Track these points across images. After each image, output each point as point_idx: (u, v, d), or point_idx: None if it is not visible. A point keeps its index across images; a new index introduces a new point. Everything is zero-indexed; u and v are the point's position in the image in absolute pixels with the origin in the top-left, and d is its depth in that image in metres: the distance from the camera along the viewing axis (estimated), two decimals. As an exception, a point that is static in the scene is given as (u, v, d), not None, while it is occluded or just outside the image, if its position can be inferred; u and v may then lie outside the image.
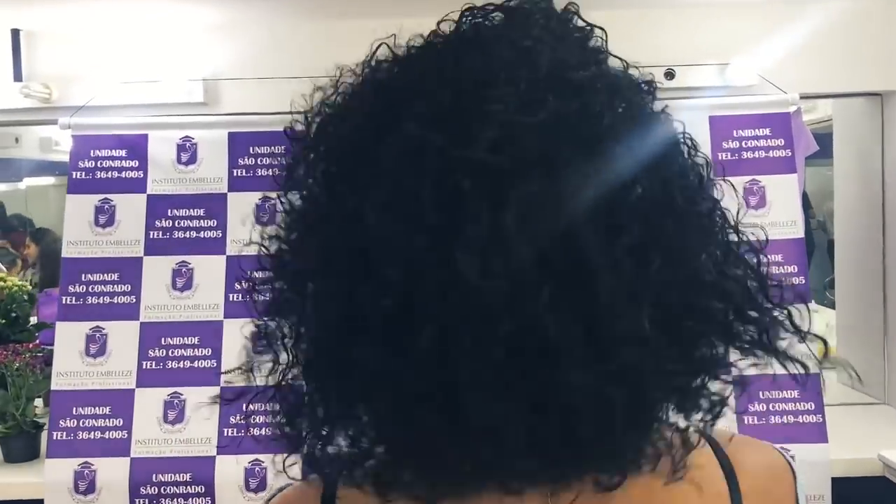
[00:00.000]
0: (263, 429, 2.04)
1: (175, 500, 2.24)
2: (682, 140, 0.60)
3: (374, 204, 0.51)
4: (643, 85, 0.59)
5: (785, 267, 2.33)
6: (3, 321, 2.73)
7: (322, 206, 0.57)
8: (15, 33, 2.55)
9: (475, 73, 0.53)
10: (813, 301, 3.82)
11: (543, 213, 0.49)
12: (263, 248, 0.62)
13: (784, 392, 2.26)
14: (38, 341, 2.69)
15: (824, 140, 3.06)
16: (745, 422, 2.24)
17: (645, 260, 0.51)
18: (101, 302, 2.38)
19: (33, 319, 2.92)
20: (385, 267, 0.50)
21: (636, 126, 0.56)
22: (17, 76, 2.54)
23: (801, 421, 2.24)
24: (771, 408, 2.25)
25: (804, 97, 2.50)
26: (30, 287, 2.91)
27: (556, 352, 0.49)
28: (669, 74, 2.49)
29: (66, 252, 2.41)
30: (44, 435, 2.43)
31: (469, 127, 0.50)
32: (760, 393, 2.25)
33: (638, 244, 0.51)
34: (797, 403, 2.25)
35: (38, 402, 2.59)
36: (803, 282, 2.33)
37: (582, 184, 0.50)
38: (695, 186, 0.58)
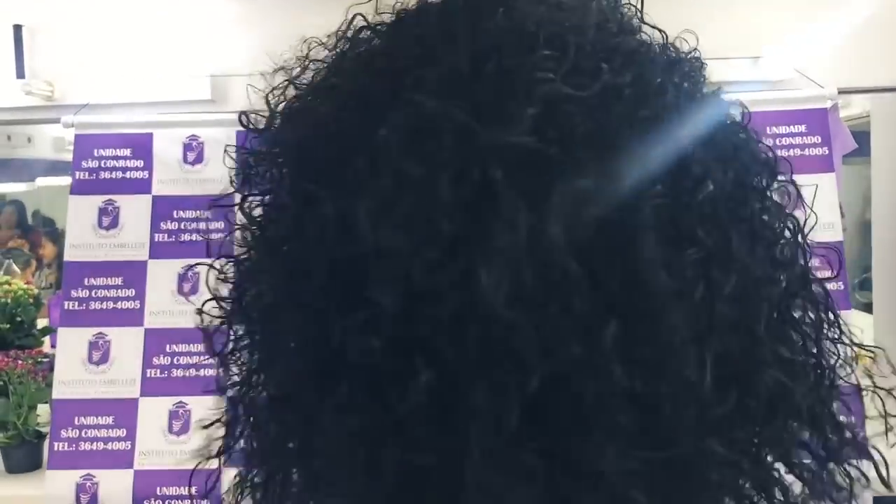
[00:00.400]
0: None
1: (180, 514, 2.17)
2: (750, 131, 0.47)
3: (367, 206, 0.36)
4: (695, 60, 0.46)
5: (822, 272, 2.20)
6: (7, 326, 2.68)
7: (290, 213, 0.44)
8: (17, 29, 2.52)
9: (503, 33, 0.39)
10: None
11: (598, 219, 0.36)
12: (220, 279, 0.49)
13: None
14: (46, 346, 2.65)
15: (861, 138, 2.95)
16: (780, 436, 2.13)
17: (712, 286, 0.37)
18: (104, 307, 2.31)
19: (43, 322, 2.87)
20: (378, 291, 0.36)
21: (699, 107, 0.43)
22: (20, 73, 2.51)
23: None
24: (808, 422, 2.13)
25: (842, 92, 2.39)
26: (35, 291, 2.85)
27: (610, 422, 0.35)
28: (699, 68, 2.39)
29: (69, 255, 2.35)
30: (46, 444, 2.37)
31: (503, 102, 0.36)
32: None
33: (705, 261, 0.37)
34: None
35: (45, 409, 2.53)
36: (842, 288, 2.21)
37: (645, 179, 0.37)
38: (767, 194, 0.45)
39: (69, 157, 4.83)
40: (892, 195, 2.78)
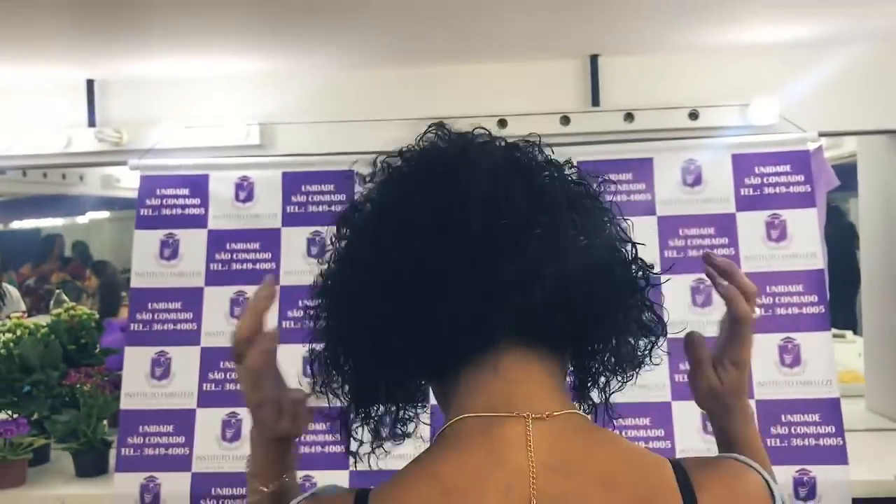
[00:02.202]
0: (314, 447, 2.22)
1: (232, 512, 2.41)
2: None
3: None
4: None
5: (805, 297, 2.43)
6: (73, 347, 2.95)
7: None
8: (90, 83, 2.78)
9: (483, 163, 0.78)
10: (851, 331, 3.92)
11: None
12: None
13: (805, 416, 2.36)
14: (105, 366, 2.91)
15: (851, 173, 3.17)
16: (768, 444, 2.34)
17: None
18: (166, 328, 2.56)
19: (97, 346, 3.13)
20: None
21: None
22: (91, 122, 2.76)
23: (821, 444, 2.33)
24: (792, 430, 2.35)
25: (823, 135, 2.62)
26: (97, 315, 3.11)
27: None
28: (693, 115, 2.64)
29: (135, 283, 2.60)
30: (111, 452, 2.62)
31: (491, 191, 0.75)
32: (783, 416, 2.36)
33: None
34: (818, 427, 2.35)
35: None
36: (823, 311, 2.43)
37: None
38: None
39: (117, 193, 5.16)
40: (876, 228, 3.00)
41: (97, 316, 3.12)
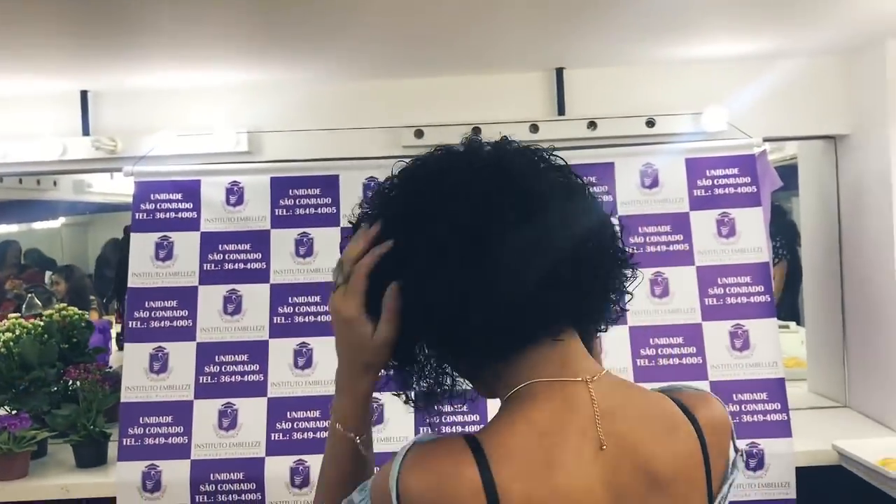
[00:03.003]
0: (306, 433, 2.42)
1: (230, 495, 2.55)
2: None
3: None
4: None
5: (752, 287, 2.68)
6: (66, 346, 3.07)
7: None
8: (83, 94, 2.91)
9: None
10: (795, 322, 4.20)
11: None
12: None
13: (754, 394, 2.61)
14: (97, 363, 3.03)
15: (793, 175, 3.44)
16: (722, 421, 2.58)
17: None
18: (163, 325, 2.70)
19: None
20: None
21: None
22: (86, 131, 2.89)
23: (768, 419, 2.58)
24: (743, 408, 2.59)
25: (767, 140, 2.87)
26: (87, 316, 3.23)
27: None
28: (650, 123, 2.87)
29: (132, 283, 2.74)
30: (109, 444, 2.75)
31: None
32: (734, 395, 2.60)
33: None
34: (766, 404, 2.60)
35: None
36: (769, 300, 2.68)
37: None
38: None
39: (88, 198, 5.23)
40: (815, 226, 3.26)
41: (87, 316, 3.24)
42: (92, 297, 5.78)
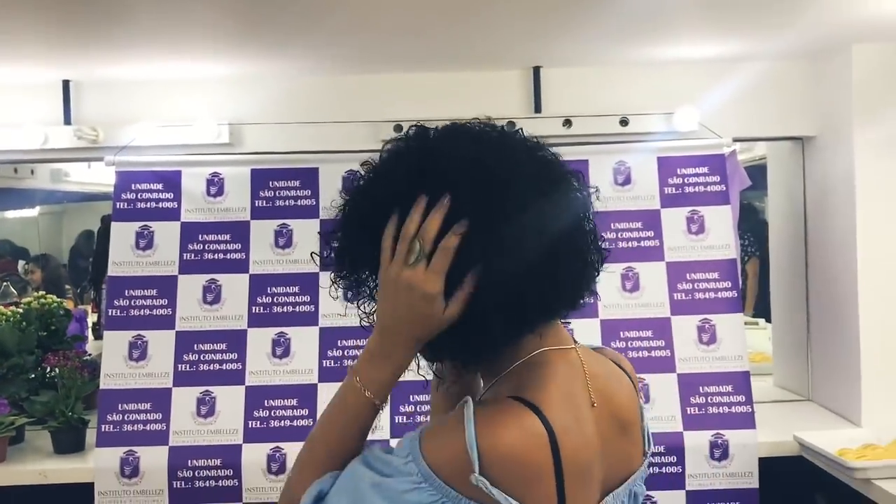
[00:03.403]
0: (283, 421, 2.48)
1: (207, 481, 2.59)
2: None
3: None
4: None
5: (720, 283, 2.76)
6: (45, 333, 3.10)
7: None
8: (65, 83, 2.93)
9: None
10: (764, 319, 4.30)
11: None
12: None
13: (720, 387, 2.69)
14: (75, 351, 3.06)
15: (763, 174, 3.53)
16: (688, 412, 2.67)
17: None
18: (142, 314, 2.74)
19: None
20: None
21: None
22: (67, 120, 2.91)
23: (733, 411, 2.66)
24: (709, 400, 2.68)
25: (737, 140, 2.96)
26: (67, 303, 3.26)
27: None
28: (624, 122, 2.94)
29: (112, 271, 2.77)
30: (88, 430, 2.78)
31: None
32: (700, 388, 2.68)
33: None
34: (731, 396, 2.68)
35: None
36: (735, 295, 2.76)
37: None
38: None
39: (66, 187, 5.23)
40: (782, 224, 3.35)
41: (66, 305, 3.27)
42: (67, 287, 5.77)
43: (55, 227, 6.57)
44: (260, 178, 2.85)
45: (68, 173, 5.15)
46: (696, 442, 2.63)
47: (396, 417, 2.65)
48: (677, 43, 2.75)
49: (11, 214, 6.16)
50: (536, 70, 2.98)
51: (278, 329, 2.76)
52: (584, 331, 2.63)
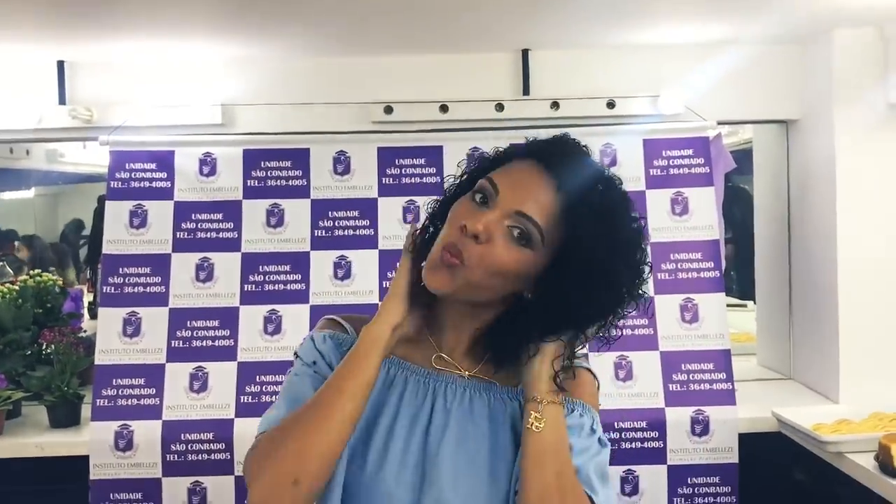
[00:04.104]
0: (275, 396, 2.53)
1: (200, 455, 2.64)
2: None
3: None
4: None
5: (703, 263, 2.82)
6: (40, 310, 3.15)
7: None
8: (60, 64, 2.96)
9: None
10: (752, 301, 4.35)
11: None
12: None
13: (701, 364, 2.75)
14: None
15: (750, 157, 3.58)
16: (671, 388, 2.73)
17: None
18: (136, 291, 2.78)
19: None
20: None
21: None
22: (62, 100, 2.95)
23: (714, 388, 2.73)
24: (691, 377, 2.74)
25: (721, 123, 3.00)
26: (61, 281, 3.30)
27: None
28: (611, 104, 2.98)
29: (106, 249, 2.81)
30: (83, 405, 2.83)
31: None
32: (682, 365, 2.74)
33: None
34: (712, 374, 2.74)
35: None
36: (718, 275, 2.82)
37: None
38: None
39: (61, 167, 5.27)
40: (767, 207, 3.41)
41: (61, 282, 3.31)
42: (52, 269, 5.82)
43: (51, 209, 6.61)
44: (252, 159, 2.89)
45: (63, 154, 5.18)
46: (678, 418, 2.69)
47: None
48: (664, 26, 2.79)
49: (7, 196, 6.19)
50: (525, 53, 3.02)
51: (270, 306, 2.81)
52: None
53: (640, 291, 1.11)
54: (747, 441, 2.69)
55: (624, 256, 1.08)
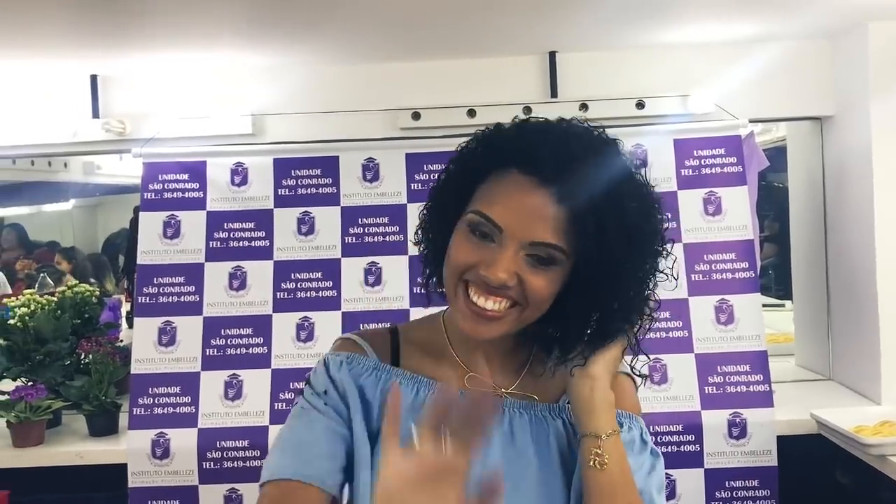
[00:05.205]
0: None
1: (236, 462, 2.67)
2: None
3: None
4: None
5: (737, 263, 2.78)
6: (79, 321, 3.19)
7: None
8: (93, 78, 3.01)
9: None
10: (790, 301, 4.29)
11: None
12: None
13: (738, 367, 2.71)
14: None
15: (784, 155, 3.52)
16: (706, 391, 2.69)
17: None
18: (171, 301, 2.81)
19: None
20: None
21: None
22: (95, 114, 3.00)
23: (751, 390, 2.68)
24: (727, 379, 2.70)
25: (753, 121, 2.96)
26: (98, 292, 3.35)
27: None
28: (640, 105, 2.95)
29: (141, 260, 2.85)
30: (121, 413, 2.87)
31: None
32: (718, 367, 2.71)
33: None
34: (748, 375, 2.70)
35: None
36: (753, 276, 2.78)
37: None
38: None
39: (98, 179, 5.35)
40: (802, 204, 3.35)
41: (98, 293, 3.36)
42: (91, 280, 5.91)
43: (89, 220, 6.73)
44: (282, 168, 2.91)
45: (100, 166, 5.28)
46: (715, 421, 2.65)
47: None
48: (692, 25, 2.76)
49: (47, 208, 6.31)
50: (552, 55, 3.01)
51: (302, 314, 2.82)
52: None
53: (663, 269, 1.06)
54: (786, 444, 2.64)
55: (640, 240, 1.01)
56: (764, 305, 2.89)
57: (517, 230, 0.98)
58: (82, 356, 3.04)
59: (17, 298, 3.01)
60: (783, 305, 4.28)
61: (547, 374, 1.11)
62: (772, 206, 4.36)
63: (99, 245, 6.34)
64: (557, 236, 0.98)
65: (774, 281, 4.60)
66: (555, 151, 0.98)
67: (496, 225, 0.99)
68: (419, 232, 1.12)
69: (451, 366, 1.10)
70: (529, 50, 3.01)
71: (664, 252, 1.05)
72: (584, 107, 2.97)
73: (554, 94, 3.01)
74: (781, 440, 2.64)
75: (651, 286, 1.05)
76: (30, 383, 2.88)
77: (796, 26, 2.84)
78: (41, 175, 4.84)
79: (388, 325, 1.20)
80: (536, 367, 1.12)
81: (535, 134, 1.02)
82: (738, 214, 2.82)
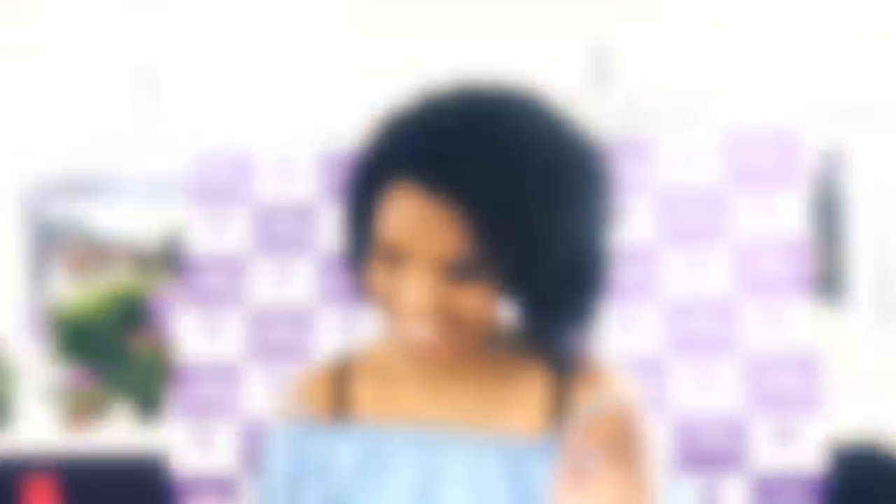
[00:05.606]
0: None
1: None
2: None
3: None
4: None
5: (788, 265, 2.68)
6: (128, 311, 3.25)
7: None
8: (138, 72, 3.06)
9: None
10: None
11: None
12: None
13: (787, 372, 2.60)
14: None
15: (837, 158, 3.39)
16: (754, 395, 2.61)
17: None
18: (217, 293, 2.83)
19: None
20: None
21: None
22: (141, 109, 3.05)
23: (802, 395, 2.58)
24: (776, 384, 2.61)
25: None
26: (149, 283, 3.40)
27: None
28: (688, 99, 2.88)
29: (189, 253, 2.88)
30: (166, 405, 2.92)
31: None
32: (767, 371, 2.61)
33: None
34: (799, 380, 2.60)
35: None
36: (805, 278, 2.66)
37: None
38: None
39: (150, 174, 5.38)
40: (862, 197, 3.23)
41: (149, 283, 3.41)
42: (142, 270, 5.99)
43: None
44: (329, 163, 2.90)
45: (152, 162, 5.35)
46: (762, 426, 2.57)
47: None
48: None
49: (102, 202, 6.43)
50: (598, 44, 2.93)
51: (349, 311, 2.81)
52: (650, 314, 2.59)
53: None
54: (839, 455, 2.55)
55: (563, 206, 0.87)
56: (818, 309, 2.79)
57: (419, 249, 0.86)
58: (130, 346, 3.09)
59: (71, 290, 3.08)
60: (839, 309, 4.14)
61: None
62: (827, 206, 4.22)
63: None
64: (463, 243, 0.85)
65: (829, 284, 4.47)
66: (437, 155, 0.84)
67: (397, 249, 0.88)
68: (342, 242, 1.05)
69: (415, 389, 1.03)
70: (574, 36, 2.90)
71: (604, 200, 0.93)
72: (631, 99, 2.89)
73: (599, 84, 2.93)
74: (835, 451, 2.54)
75: (601, 240, 0.95)
76: (79, 371, 2.94)
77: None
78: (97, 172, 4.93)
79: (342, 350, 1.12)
80: None
81: (407, 132, 0.89)
82: (791, 215, 2.72)
